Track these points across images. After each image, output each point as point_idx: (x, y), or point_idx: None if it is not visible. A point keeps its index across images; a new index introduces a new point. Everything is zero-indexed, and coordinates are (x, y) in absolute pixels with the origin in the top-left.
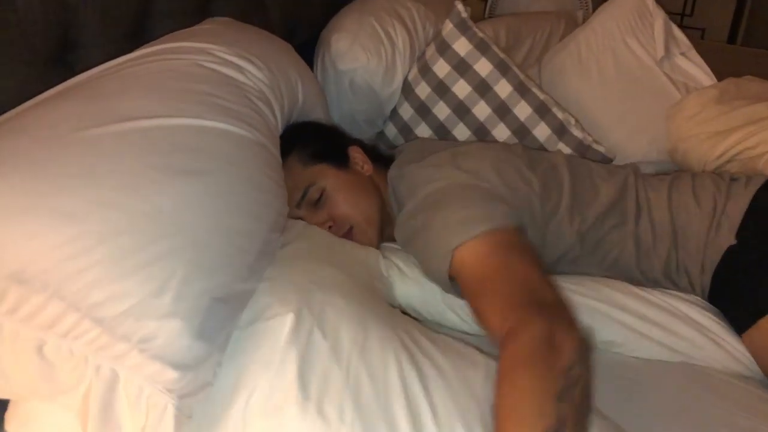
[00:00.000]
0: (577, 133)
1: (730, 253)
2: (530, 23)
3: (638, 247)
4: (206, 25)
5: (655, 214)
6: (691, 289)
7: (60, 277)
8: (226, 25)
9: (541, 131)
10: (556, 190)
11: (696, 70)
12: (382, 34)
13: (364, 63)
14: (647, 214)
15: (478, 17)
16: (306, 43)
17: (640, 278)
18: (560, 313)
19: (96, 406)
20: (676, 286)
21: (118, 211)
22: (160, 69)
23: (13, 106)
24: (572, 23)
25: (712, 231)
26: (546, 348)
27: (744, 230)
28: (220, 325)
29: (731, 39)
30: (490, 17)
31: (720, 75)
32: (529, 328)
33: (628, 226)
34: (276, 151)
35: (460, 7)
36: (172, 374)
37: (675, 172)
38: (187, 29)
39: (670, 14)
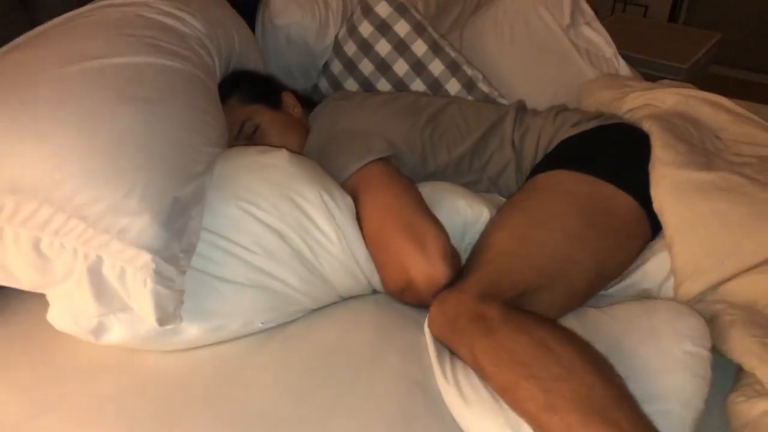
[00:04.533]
0: (484, 87)
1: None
2: None
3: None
4: None
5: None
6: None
7: (46, 186)
8: None
9: (453, 86)
10: (443, 123)
11: (598, 37)
12: None
13: (298, 19)
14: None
15: None
16: (248, 2)
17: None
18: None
19: (89, 286)
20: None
21: (87, 132)
22: (108, 19)
23: None
24: None
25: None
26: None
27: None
28: (179, 216)
29: (673, 17)
30: None
31: (660, 51)
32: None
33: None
34: (213, 86)
35: None
36: (146, 256)
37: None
38: None
39: None
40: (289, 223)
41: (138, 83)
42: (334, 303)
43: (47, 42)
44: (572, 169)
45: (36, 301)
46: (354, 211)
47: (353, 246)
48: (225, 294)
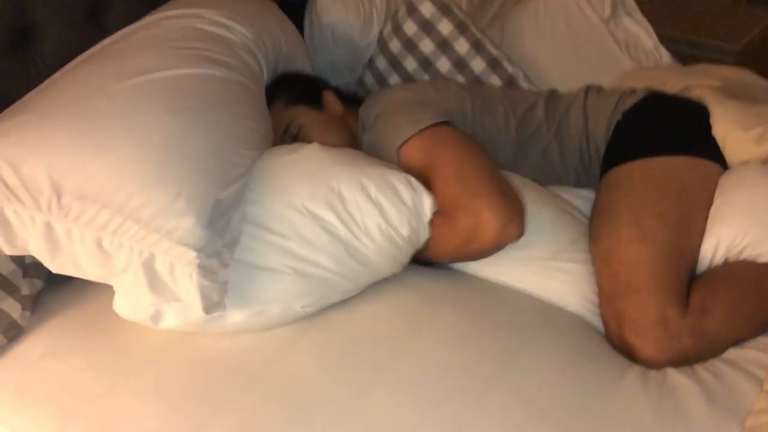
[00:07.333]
0: (524, 85)
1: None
2: None
3: (560, 142)
4: None
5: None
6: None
7: (106, 192)
8: None
9: (493, 83)
10: (488, 101)
11: (638, 29)
12: None
13: (343, 16)
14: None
15: None
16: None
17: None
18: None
19: (144, 279)
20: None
21: (140, 143)
22: (160, 32)
23: None
24: None
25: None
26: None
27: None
28: (221, 216)
29: None
30: None
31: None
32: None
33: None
34: (260, 91)
35: None
36: (191, 253)
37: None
38: None
39: None
40: (325, 208)
41: (185, 94)
42: (368, 290)
43: (108, 57)
44: (663, 154)
45: (108, 290)
46: (406, 174)
47: (418, 196)
48: (263, 281)
